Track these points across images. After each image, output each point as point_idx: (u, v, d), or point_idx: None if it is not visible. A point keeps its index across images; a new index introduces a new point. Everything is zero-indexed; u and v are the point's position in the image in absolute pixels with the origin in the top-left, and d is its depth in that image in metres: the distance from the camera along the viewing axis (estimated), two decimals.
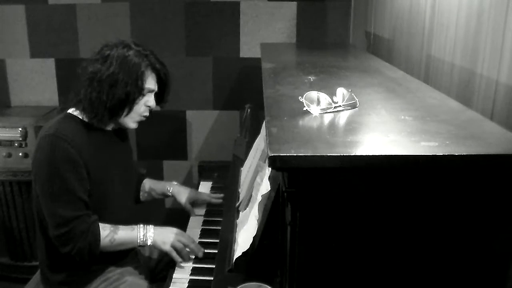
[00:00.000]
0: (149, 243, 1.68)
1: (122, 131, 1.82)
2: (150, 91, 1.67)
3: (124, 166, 1.81)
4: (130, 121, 1.68)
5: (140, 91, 1.62)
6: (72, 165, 1.55)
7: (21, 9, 2.88)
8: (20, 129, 2.64)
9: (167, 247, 1.67)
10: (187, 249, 1.69)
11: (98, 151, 1.64)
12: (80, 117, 1.64)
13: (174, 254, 1.67)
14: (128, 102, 1.61)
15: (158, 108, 1.77)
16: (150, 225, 1.70)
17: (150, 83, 1.66)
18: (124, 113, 1.64)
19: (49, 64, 2.97)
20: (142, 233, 1.67)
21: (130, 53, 1.61)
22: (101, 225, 1.62)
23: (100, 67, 1.58)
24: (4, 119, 2.74)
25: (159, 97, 1.75)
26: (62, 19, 2.88)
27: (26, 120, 2.68)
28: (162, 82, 1.72)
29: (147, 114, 1.70)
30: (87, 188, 1.60)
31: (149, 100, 1.68)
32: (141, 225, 1.69)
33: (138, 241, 1.67)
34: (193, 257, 1.69)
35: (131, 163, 1.92)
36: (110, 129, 1.73)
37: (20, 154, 2.65)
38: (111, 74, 1.57)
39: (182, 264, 1.67)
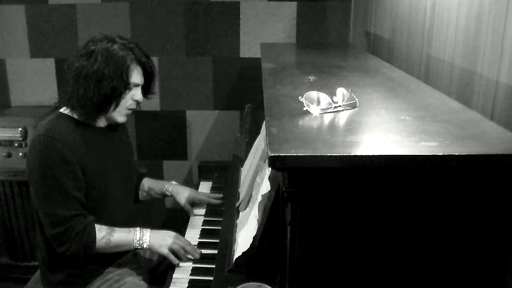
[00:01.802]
0: (145, 246, 1.68)
1: (119, 128, 1.82)
2: (136, 85, 1.67)
3: (122, 163, 1.80)
4: (118, 115, 1.68)
5: (126, 86, 1.62)
6: (64, 165, 1.54)
7: (21, 9, 2.87)
8: (20, 129, 2.64)
9: (164, 250, 1.67)
10: (183, 251, 1.69)
11: (92, 150, 1.64)
12: (72, 116, 1.65)
13: (171, 257, 1.67)
14: (115, 97, 1.61)
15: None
16: (147, 229, 1.71)
17: (136, 77, 1.65)
18: (112, 108, 1.64)
19: (49, 64, 2.97)
20: (138, 237, 1.67)
21: (115, 47, 1.61)
22: (97, 226, 1.62)
23: (85, 63, 1.58)
24: (4, 119, 2.74)
25: (146, 89, 1.75)
26: (62, 19, 2.88)
27: (26, 120, 2.68)
28: (148, 74, 1.72)
29: (134, 107, 1.70)
30: (82, 187, 1.60)
31: (136, 94, 1.68)
32: (138, 228, 1.69)
33: (134, 244, 1.67)
34: (191, 257, 1.69)
35: (129, 161, 1.90)
36: (103, 126, 1.72)
37: (20, 154, 2.65)
38: (97, 70, 1.57)
39: (181, 264, 1.67)
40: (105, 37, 1.65)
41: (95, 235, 1.60)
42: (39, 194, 1.56)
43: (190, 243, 1.74)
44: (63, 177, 1.54)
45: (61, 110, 1.66)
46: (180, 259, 1.68)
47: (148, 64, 1.69)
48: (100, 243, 1.61)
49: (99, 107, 1.61)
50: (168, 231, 1.73)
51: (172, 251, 1.67)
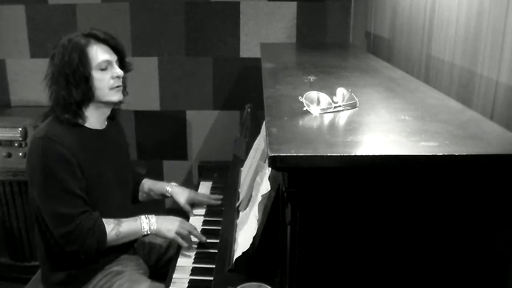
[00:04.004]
0: (153, 232, 1.70)
1: (115, 130, 1.82)
2: (109, 62, 1.64)
3: (118, 164, 1.80)
4: (107, 96, 1.65)
5: (89, 69, 1.59)
6: (65, 164, 1.55)
7: (21, 9, 2.87)
8: (20, 129, 2.64)
9: (172, 234, 1.70)
10: (191, 236, 1.73)
11: (89, 151, 1.65)
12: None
13: (180, 240, 1.70)
14: (87, 84, 1.59)
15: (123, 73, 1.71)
16: (152, 215, 1.73)
17: (103, 55, 1.62)
18: (92, 95, 1.62)
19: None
20: (145, 223, 1.69)
21: (71, 38, 1.61)
22: (104, 220, 1.63)
23: (51, 67, 1.61)
24: (4, 119, 2.73)
25: (121, 63, 1.72)
26: (62, 19, 2.88)
27: (26, 120, 2.68)
28: (114, 48, 1.68)
29: (119, 84, 1.67)
30: (84, 187, 1.60)
31: (114, 71, 1.65)
32: (143, 216, 1.71)
33: (143, 231, 1.69)
34: (196, 240, 1.74)
35: (126, 163, 1.91)
36: (101, 128, 1.72)
37: (20, 154, 2.65)
38: (60, 69, 1.58)
39: (182, 264, 1.67)
40: (65, 36, 1.64)
41: (105, 229, 1.61)
42: (42, 195, 1.57)
43: (196, 228, 1.77)
44: (65, 176, 1.55)
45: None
46: (188, 243, 1.71)
47: (110, 38, 1.66)
48: (111, 235, 1.63)
49: (78, 101, 1.60)
50: (173, 217, 1.76)
51: (180, 235, 1.70)
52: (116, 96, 1.67)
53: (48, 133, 1.56)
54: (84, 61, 1.58)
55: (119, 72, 1.66)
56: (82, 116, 1.65)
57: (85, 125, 1.67)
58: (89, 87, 1.60)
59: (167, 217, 1.75)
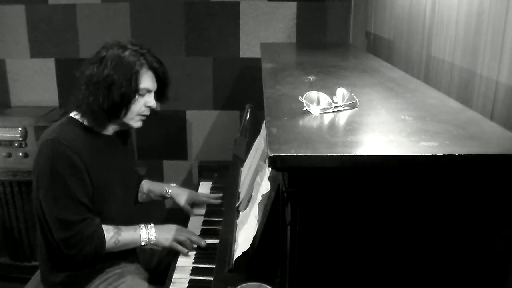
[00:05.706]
0: (151, 241, 1.71)
1: (123, 135, 1.82)
2: (148, 91, 1.66)
3: (125, 170, 1.81)
4: (132, 121, 1.67)
5: (135, 92, 1.60)
6: (73, 170, 1.55)
7: (21, 9, 2.87)
8: (20, 129, 2.64)
9: (171, 243, 1.71)
10: (190, 241, 1.73)
11: (99, 156, 1.64)
12: (81, 121, 1.64)
13: (179, 248, 1.71)
14: (124, 103, 1.60)
15: (159, 107, 1.75)
16: (151, 224, 1.73)
17: (147, 82, 1.64)
18: (122, 114, 1.63)
19: (49, 64, 2.97)
20: (144, 233, 1.70)
21: (126, 53, 1.60)
22: (104, 227, 1.63)
23: (96, 70, 1.58)
24: (4, 119, 2.74)
25: (159, 95, 1.73)
26: (62, 19, 2.88)
27: (26, 120, 2.68)
28: (161, 80, 1.71)
29: (147, 113, 1.69)
30: (89, 193, 1.60)
31: (149, 100, 1.66)
32: (142, 225, 1.72)
33: (141, 241, 1.70)
34: (195, 246, 1.75)
35: (132, 168, 1.92)
36: (110, 134, 1.72)
37: (20, 154, 2.65)
38: (107, 77, 1.56)
39: (182, 263, 1.68)
40: (117, 43, 1.63)
41: (104, 237, 1.62)
42: (47, 198, 1.57)
43: (194, 233, 1.78)
44: (72, 182, 1.55)
45: (71, 114, 1.66)
46: (187, 249, 1.72)
47: (160, 70, 1.68)
48: (109, 243, 1.63)
49: (109, 113, 1.60)
50: (171, 225, 1.77)
51: (179, 242, 1.71)
52: (137, 124, 1.69)
53: (59, 136, 1.55)
54: (132, 83, 1.58)
55: (154, 104, 1.68)
56: (102, 125, 1.65)
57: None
58: (126, 105, 1.60)
59: (165, 226, 1.76)
